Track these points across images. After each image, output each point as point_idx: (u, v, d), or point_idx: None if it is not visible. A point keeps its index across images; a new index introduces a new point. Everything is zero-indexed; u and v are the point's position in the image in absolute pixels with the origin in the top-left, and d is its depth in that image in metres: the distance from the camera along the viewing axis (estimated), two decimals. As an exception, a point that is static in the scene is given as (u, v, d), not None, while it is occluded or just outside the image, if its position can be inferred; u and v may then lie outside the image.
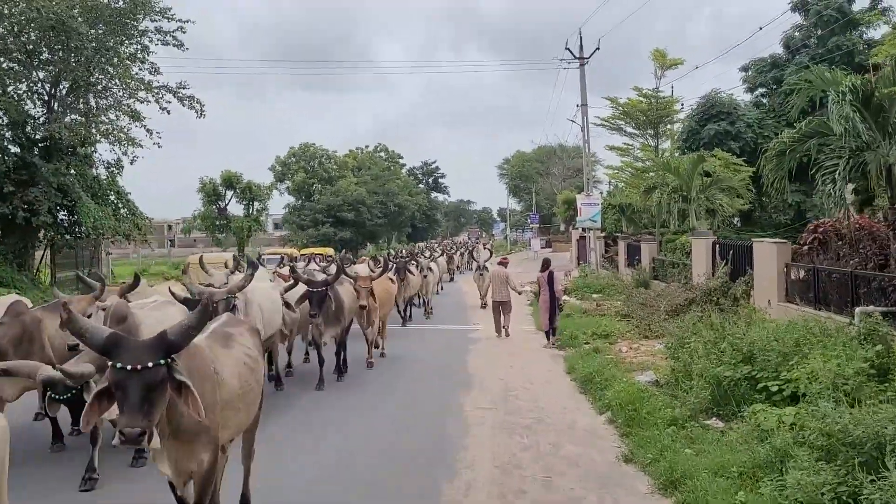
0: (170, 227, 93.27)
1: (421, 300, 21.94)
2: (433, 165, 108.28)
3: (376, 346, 13.83)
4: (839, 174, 11.50)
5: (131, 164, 24.04)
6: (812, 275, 13.98)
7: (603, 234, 35.69)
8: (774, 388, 8.33)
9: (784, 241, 15.85)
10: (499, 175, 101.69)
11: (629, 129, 32.55)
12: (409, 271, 19.32)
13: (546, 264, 16.31)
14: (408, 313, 19.74)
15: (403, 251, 39.25)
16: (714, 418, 8.52)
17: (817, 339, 8.98)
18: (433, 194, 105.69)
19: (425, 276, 20.56)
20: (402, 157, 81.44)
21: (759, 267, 16.05)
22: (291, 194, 63.59)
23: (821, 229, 14.58)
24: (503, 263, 18.61)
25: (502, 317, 17.01)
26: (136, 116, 23.81)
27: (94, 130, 23.33)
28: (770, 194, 23.24)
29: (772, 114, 35.73)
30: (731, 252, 18.17)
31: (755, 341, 9.08)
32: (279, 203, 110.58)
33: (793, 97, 15.24)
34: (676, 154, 31.19)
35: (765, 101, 37.29)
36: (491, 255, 24.50)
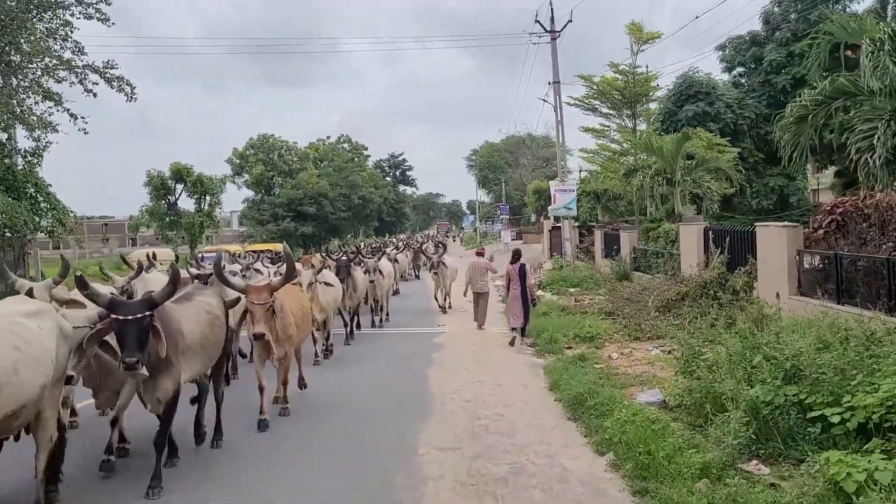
0: (105, 224, 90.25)
1: (372, 305, 17.24)
2: (400, 158, 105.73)
3: (284, 384, 9.15)
4: (879, 139, 9.35)
5: (43, 151, 21.34)
6: (832, 263, 11.88)
7: (577, 224, 33.57)
8: (835, 419, 6.12)
9: (795, 224, 13.74)
10: (467, 166, 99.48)
11: (604, 110, 30.30)
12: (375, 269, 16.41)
13: (516, 255, 15.00)
14: (354, 323, 15.56)
15: (370, 245, 36.82)
16: (754, 461, 6.28)
17: (883, 348, 6.80)
18: (401, 187, 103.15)
19: (372, 282, 16.09)
20: (366, 149, 78.69)
21: (765, 255, 13.95)
22: (250, 188, 60.58)
23: (839, 210, 12.45)
24: (480, 254, 17.99)
25: (480, 310, 16.66)
26: (53, 98, 21.03)
27: (6, 113, 20.54)
28: (790, 168, 21.34)
29: (752, 94, 33.86)
30: (728, 239, 16.07)
31: (800, 353, 6.86)
32: (239, 197, 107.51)
33: (810, 54, 12.99)
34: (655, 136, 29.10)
35: (744, 80, 35.40)
36: (444, 250, 21.84)
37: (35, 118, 20.21)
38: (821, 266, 12.51)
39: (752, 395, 6.63)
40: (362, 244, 43.30)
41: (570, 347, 13.36)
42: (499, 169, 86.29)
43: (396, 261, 22.50)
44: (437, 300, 20.03)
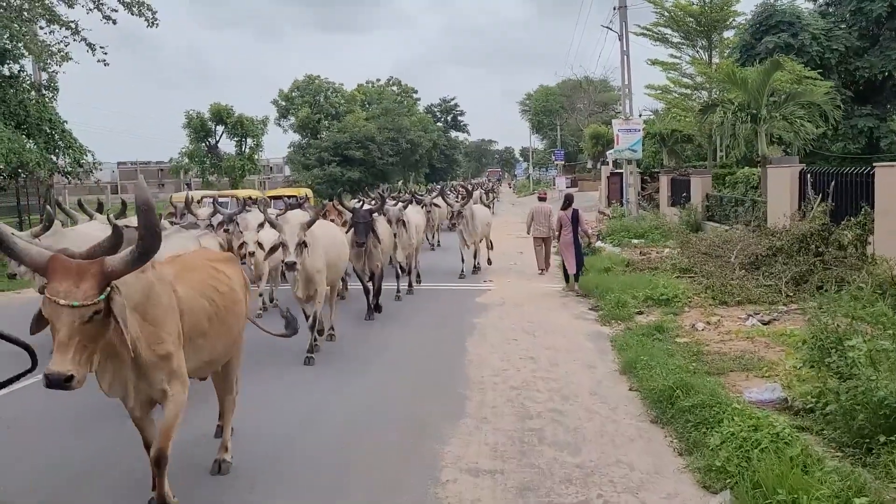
0: (161, 170, 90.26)
1: (397, 268, 13.12)
2: (452, 102, 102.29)
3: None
4: None
5: (55, 84, 19.57)
6: None
7: (639, 170, 30.70)
8: None
9: (932, 164, 11.03)
10: (521, 111, 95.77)
11: (675, 40, 27.07)
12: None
13: (568, 201, 14.30)
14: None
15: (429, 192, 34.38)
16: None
17: None
18: (453, 133, 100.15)
19: (395, 235, 12.31)
20: (416, 91, 75.72)
21: (887, 203, 11.30)
22: (296, 132, 58.66)
23: None
24: (542, 198, 16.93)
25: (544, 254, 15.88)
26: (58, 21, 19.13)
27: (17, 43, 18.77)
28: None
29: (842, 24, 30.15)
30: (833, 184, 13.39)
31: None
32: (285, 140, 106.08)
33: None
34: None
35: (832, 9, 31.58)
36: (468, 198, 16.11)
37: (39, 43, 18.32)
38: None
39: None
40: (414, 189, 40.92)
41: (641, 312, 11.06)
42: (554, 113, 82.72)
43: (435, 206, 19.41)
44: (463, 261, 15.65)
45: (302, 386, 7.61)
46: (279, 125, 57.84)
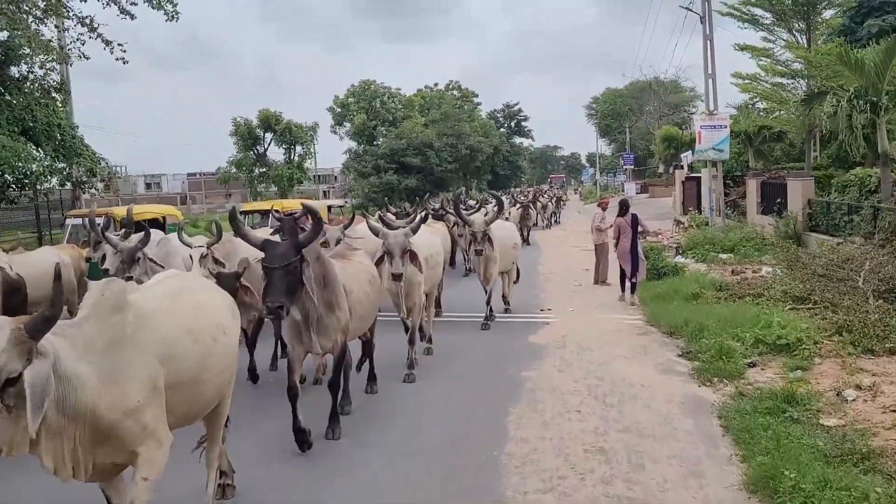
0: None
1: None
2: (515, 108, 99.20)
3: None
4: None
5: (60, 86, 17.67)
6: None
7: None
8: None
9: None
10: (587, 115, 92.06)
11: (767, 21, 23.66)
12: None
13: (624, 207, 13.26)
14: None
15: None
16: None
17: None
18: (516, 139, 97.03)
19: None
20: (476, 96, 72.91)
21: None
22: (352, 139, 56.70)
23: None
24: (603, 206, 16.10)
25: (601, 263, 14.79)
26: (60, 12, 17.13)
27: (19, 40, 16.94)
28: None
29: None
30: None
31: None
32: (342, 148, 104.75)
33: None
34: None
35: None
36: (498, 213, 10.86)
37: (31, 35, 16.32)
38: None
39: None
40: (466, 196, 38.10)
41: (752, 364, 8.09)
42: (622, 116, 78.98)
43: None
44: (488, 303, 11.13)
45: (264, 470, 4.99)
46: (335, 132, 55.98)
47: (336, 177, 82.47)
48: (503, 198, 17.95)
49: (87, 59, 19.47)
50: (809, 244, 16.90)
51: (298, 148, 38.25)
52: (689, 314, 10.27)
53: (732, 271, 15.01)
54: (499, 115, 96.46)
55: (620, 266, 13.05)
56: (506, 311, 12.01)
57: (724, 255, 17.64)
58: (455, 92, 70.45)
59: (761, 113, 26.91)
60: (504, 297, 12.25)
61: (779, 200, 20.34)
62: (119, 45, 19.06)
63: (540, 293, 14.16)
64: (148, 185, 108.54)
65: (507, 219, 14.19)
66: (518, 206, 24.11)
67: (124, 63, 19.17)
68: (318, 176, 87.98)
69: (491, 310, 11.13)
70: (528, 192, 36.05)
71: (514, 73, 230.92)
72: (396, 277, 7.62)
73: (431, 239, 9.60)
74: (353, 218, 10.51)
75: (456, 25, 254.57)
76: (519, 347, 9.52)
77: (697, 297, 11.83)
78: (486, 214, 11.97)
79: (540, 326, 10.86)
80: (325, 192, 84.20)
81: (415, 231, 7.96)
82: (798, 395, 6.50)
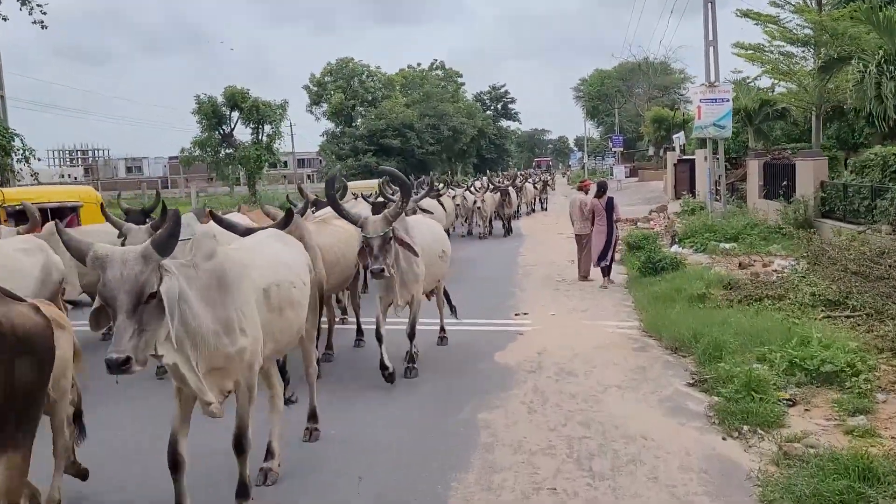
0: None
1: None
2: (502, 90, 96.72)
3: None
4: None
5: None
6: None
7: (714, 154, 25.00)
8: None
9: None
10: (575, 98, 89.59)
11: (772, -15, 21.45)
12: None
13: (602, 188, 13.10)
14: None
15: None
16: None
17: None
18: (503, 122, 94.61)
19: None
20: (460, 76, 70.44)
21: None
22: (329, 119, 54.27)
23: None
24: (583, 189, 14.48)
25: (583, 255, 13.07)
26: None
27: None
28: None
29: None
30: None
31: None
32: (318, 129, 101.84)
33: None
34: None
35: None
36: (402, 205, 6.90)
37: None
38: None
39: None
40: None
41: (791, 401, 5.99)
42: (610, 98, 76.78)
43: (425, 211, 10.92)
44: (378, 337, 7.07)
45: None
46: (310, 112, 53.54)
47: (321, 160, 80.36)
48: (475, 181, 15.84)
49: (6, 19, 17.30)
50: (823, 232, 14.86)
51: (267, 127, 35.75)
52: (698, 323, 8.15)
53: (740, 264, 12.93)
54: (485, 98, 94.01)
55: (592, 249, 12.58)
56: (451, 310, 8.86)
57: (726, 245, 15.57)
58: (439, 72, 67.96)
59: (760, 89, 24.73)
60: (441, 328, 8.63)
61: (785, 183, 18.27)
62: (38, 5, 16.85)
63: (517, 291, 12.01)
64: (129, 169, 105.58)
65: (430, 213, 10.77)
66: (494, 190, 21.69)
67: (42, 27, 16.94)
68: (302, 160, 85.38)
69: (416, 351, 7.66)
70: (511, 175, 33.35)
71: (503, 57, 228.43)
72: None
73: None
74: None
75: (445, 9, 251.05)
76: (480, 371, 7.33)
77: (704, 298, 9.73)
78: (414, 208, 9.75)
79: (511, 338, 8.69)
80: (308, 175, 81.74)
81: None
82: (877, 466, 4.39)
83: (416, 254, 6.85)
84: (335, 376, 7.32)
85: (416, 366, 7.37)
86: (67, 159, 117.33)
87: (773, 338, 7.24)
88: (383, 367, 6.83)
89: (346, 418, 6.06)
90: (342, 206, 6.70)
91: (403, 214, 6.78)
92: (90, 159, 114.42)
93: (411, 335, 7.34)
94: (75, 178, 75.14)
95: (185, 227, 6.69)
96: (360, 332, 8.76)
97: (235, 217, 7.53)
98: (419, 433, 5.69)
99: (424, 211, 10.49)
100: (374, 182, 20.33)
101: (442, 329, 8.63)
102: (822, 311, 8.48)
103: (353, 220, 6.63)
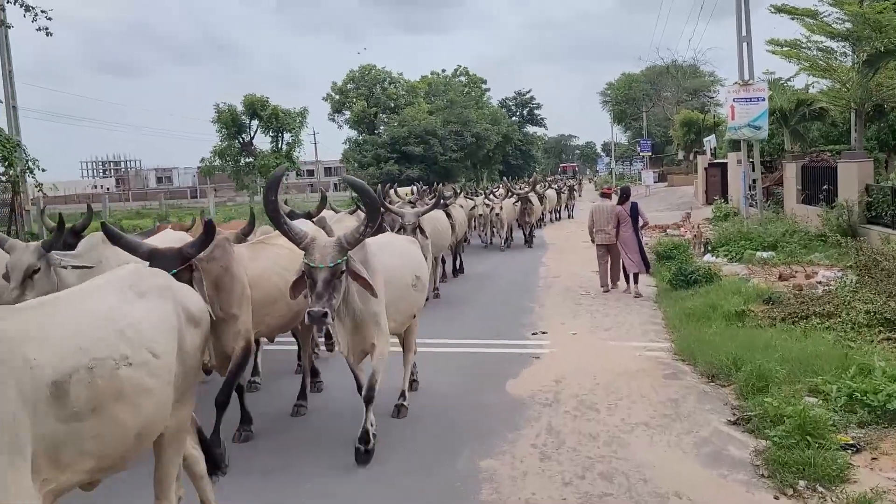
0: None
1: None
2: (527, 95, 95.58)
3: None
4: None
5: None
6: None
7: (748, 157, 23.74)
8: None
9: None
10: (601, 102, 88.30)
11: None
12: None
13: (625, 194, 12.64)
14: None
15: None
16: None
17: None
18: (529, 128, 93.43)
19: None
20: (485, 82, 69.47)
21: None
22: (352, 127, 53.68)
23: None
24: (606, 195, 14.02)
25: (611, 266, 12.51)
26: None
27: None
28: None
29: None
30: None
31: None
32: (341, 137, 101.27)
33: None
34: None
35: None
36: (367, 225, 5.14)
37: None
38: None
39: None
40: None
41: (856, 448, 5.00)
42: (637, 102, 75.41)
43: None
44: (357, 380, 5.86)
45: None
46: (332, 120, 53.03)
47: (346, 168, 80.00)
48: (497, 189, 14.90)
49: (10, 27, 16.93)
50: (870, 239, 13.73)
51: (287, 136, 35.18)
52: (737, 346, 7.18)
53: (780, 276, 11.88)
54: (510, 104, 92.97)
55: (622, 258, 12.17)
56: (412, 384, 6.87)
57: (764, 254, 14.53)
58: (462, 78, 67.13)
59: (795, 88, 23.53)
60: (408, 385, 6.57)
61: (826, 187, 17.13)
62: (43, 12, 16.39)
63: (535, 307, 11.07)
64: (159, 179, 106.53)
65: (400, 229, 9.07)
66: (514, 198, 20.42)
67: (48, 34, 16.52)
68: (329, 168, 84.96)
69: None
70: (532, 181, 31.72)
71: (529, 63, 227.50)
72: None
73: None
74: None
75: (470, 17, 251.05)
76: (488, 405, 6.42)
77: (743, 316, 8.75)
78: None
79: (526, 363, 7.76)
80: (335, 184, 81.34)
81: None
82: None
83: (374, 294, 5.07)
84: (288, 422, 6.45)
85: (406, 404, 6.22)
86: (100, 170, 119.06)
87: (827, 365, 6.27)
88: (363, 439, 5.27)
89: (319, 471, 5.17)
90: (284, 219, 4.88)
91: (363, 241, 5.08)
92: (122, 170, 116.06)
93: (368, 399, 5.39)
94: (107, 189, 75.65)
95: (90, 251, 5.84)
96: (303, 395, 6.59)
97: (168, 235, 6.63)
98: (404, 492, 4.77)
99: (422, 231, 9.44)
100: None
101: (403, 395, 6.36)
102: (881, 331, 7.45)
103: (295, 240, 4.86)
